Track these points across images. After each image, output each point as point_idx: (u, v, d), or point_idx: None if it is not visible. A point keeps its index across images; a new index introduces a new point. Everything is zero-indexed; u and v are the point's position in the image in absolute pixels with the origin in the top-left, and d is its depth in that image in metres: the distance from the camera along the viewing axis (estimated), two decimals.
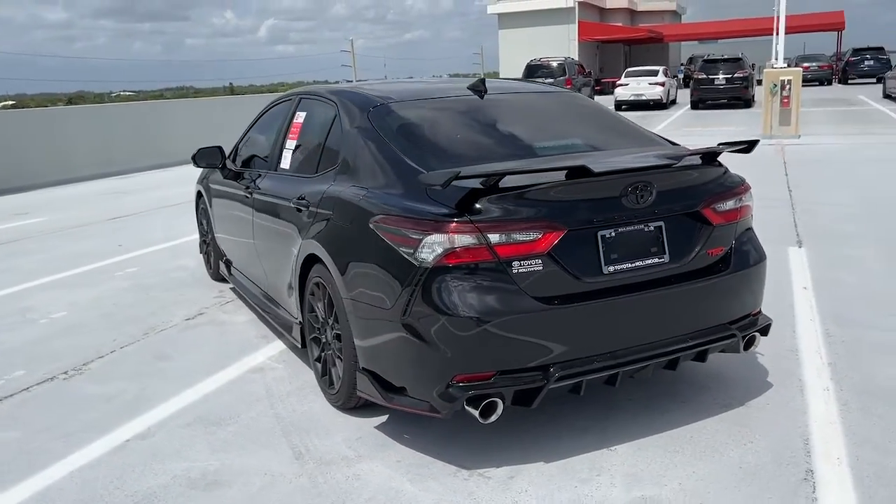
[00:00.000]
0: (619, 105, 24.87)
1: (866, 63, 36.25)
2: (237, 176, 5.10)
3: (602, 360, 2.98)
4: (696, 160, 3.32)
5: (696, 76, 25.28)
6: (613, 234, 3.02)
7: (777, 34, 16.18)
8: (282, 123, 4.60)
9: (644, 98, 25.37)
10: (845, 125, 16.82)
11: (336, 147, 3.80)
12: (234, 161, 5.34)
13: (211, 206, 5.78)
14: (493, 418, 2.90)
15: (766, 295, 3.64)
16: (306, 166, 4.12)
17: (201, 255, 6.51)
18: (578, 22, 38.37)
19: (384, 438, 3.35)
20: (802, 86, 16.11)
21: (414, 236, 2.90)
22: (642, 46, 49.30)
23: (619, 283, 3.03)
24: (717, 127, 18.05)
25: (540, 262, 2.88)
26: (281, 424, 3.54)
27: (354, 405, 3.53)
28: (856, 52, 37.56)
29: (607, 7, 46.46)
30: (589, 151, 3.58)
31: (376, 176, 3.36)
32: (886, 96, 24.47)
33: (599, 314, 2.98)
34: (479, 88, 3.94)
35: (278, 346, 4.58)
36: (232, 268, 5.58)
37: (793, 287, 5.26)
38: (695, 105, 24.72)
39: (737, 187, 3.37)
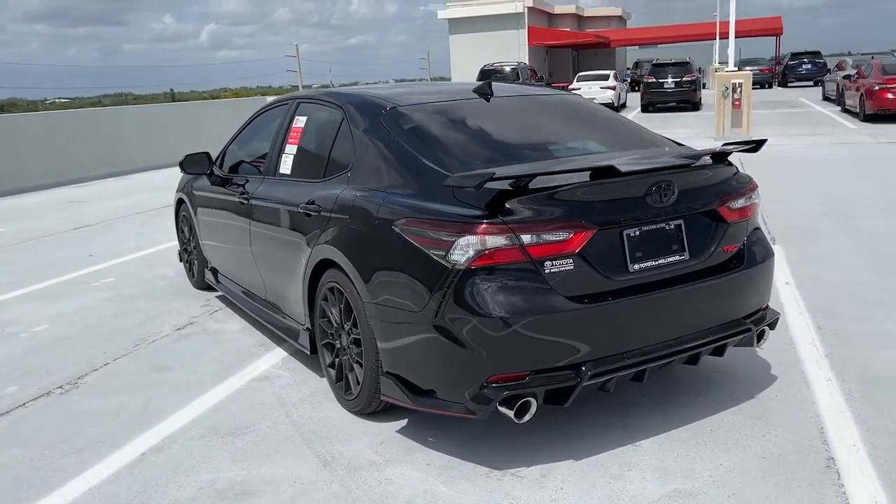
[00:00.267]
0: None
1: (804, 67, 37.56)
2: (226, 182, 5.02)
3: (632, 357, 3.03)
4: (710, 160, 3.41)
5: (646, 80, 25.80)
6: (637, 232, 3.09)
7: (730, 38, 16.63)
8: (278, 128, 4.54)
9: (596, 101, 25.73)
10: (793, 126, 17.38)
11: (346, 151, 3.77)
12: (221, 167, 5.25)
13: (195, 214, 5.66)
14: (527, 418, 2.93)
15: None
16: (311, 171, 4.08)
17: (181, 264, 6.38)
18: (528, 27, 38.80)
19: (408, 442, 3.34)
20: None
21: (446, 238, 2.91)
22: (590, 51, 50.11)
23: (644, 280, 3.09)
24: (670, 129, 18.39)
25: (571, 261, 2.92)
26: (299, 432, 3.50)
27: (374, 410, 3.51)
28: (794, 56, 38.88)
29: (555, 13, 47.07)
30: (604, 152, 3.64)
31: (395, 179, 3.35)
32: (826, 98, 25.37)
33: (628, 311, 3.03)
34: (485, 91, 3.97)
35: (279, 353, 4.52)
36: (220, 276, 5.49)
37: (776, 283, 5.41)
38: (645, 108, 25.25)
39: (747, 185, 3.48)
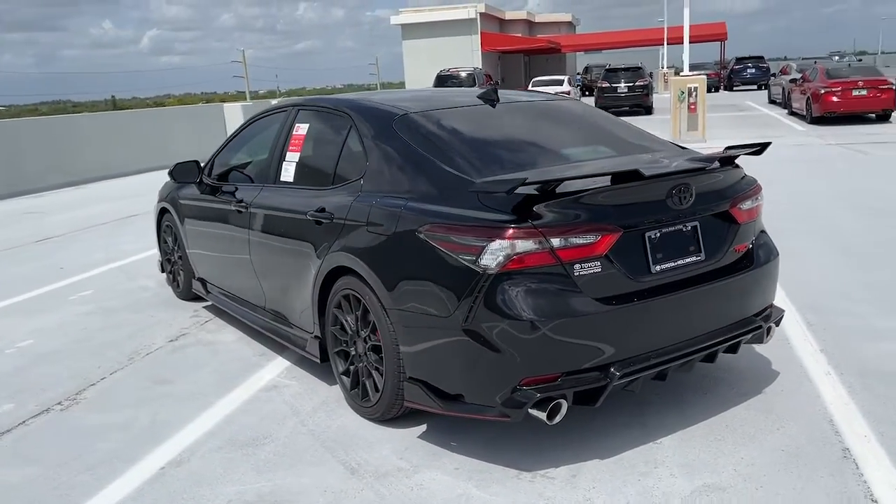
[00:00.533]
0: None
1: (749, 71, 38.74)
2: (218, 191, 4.95)
3: (657, 357, 3.10)
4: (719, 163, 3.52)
5: (600, 85, 26.27)
6: (658, 234, 3.16)
7: (684, 43, 17.02)
8: (277, 136, 4.50)
9: None
10: (744, 129, 17.89)
11: (356, 158, 3.77)
12: (210, 176, 5.17)
13: (182, 223, 5.56)
14: (558, 419, 2.97)
15: None
16: (317, 179, 4.06)
17: (164, 275, 6.25)
18: (481, 33, 39.09)
19: (432, 447, 3.35)
20: None
21: (476, 243, 2.93)
22: (541, 56, 50.79)
23: (665, 281, 3.17)
24: None
25: (599, 263, 2.98)
26: (319, 440, 3.48)
27: (393, 416, 3.51)
28: (739, 60, 40.05)
29: (507, 18, 47.54)
30: (615, 156, 3.71)
31: (414, 185, 3.36)
32: (771, 102, 26.19)
33: (652, 312, 3.10)
34: (490, 98, 4.01)
35: (282, 363, 4.48)
36: (209, 285, 5.40)
37: None
38: None
39: (753, 187, 3.60)
